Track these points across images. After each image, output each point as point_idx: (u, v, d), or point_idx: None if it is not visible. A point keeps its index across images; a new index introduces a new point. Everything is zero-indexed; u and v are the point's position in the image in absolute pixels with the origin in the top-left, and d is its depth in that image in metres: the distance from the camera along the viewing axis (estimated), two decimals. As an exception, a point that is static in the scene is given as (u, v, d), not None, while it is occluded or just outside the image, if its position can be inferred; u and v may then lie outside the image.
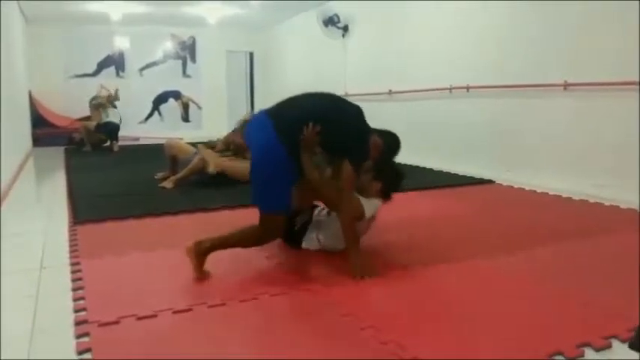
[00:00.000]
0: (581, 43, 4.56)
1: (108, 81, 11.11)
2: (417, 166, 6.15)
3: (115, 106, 9.46)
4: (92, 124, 9.04)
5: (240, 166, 4.77)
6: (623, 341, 1.76)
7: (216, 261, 2.75)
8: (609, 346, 1.74)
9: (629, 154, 4.10)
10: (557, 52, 4.80)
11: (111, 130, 9.06)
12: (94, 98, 9.52)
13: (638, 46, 4.01)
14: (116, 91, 9.73)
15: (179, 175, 4.95)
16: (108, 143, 9.02)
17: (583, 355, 1.68)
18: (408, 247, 2.93)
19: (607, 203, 4.06)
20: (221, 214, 3.89)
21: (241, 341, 1.80)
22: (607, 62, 4.33)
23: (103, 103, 9.32)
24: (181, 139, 7.17)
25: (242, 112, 12.50)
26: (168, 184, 4.89)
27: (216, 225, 3.58)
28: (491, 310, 2.04)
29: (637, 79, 4.01)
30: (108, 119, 9.08)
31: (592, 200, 4.17)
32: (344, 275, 2.38)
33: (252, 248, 2.90)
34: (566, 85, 4.67)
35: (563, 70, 4.70)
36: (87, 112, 9.74)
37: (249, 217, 3.84)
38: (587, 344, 1.73)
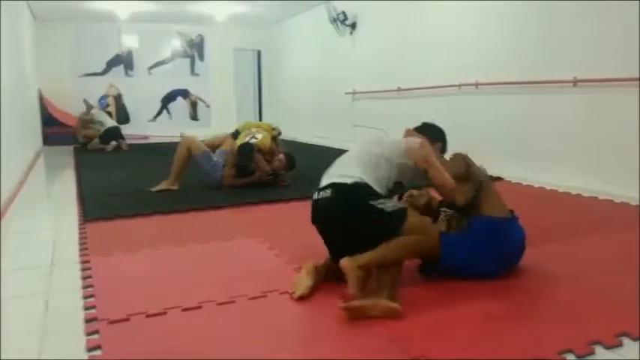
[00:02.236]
0: (591, 38, 4.52)
1: (117, 80, 11.21)
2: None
3: (106, 111, 9.51)
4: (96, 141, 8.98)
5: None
6: (634, 339, 1.75)
7: (224, 258, 2.77)
8: (620, 344, 1.72)
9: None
10: (567, 48, 4.76)
11: (113, 135, 9.07)
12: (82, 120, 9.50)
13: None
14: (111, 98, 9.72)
15: (172, 178, 4.66)
16: (112, 145, 8.96)
17: (594, 353, 1.67)
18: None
19: (617, 200, 4.02)
20: (229, 212, 3.91)
21: (250, 339, 1.81)
22: (617, 58, 4.29)
23: (85, 119, 9.31)
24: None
25: (249, 110, 12.60)
26: (160, 186, 4.62)
27: (224, 223, 3.62)
28: (503, 307, 2.03)
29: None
30: (104, 127, 9.09)
31: (602, 197, 4.14)
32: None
33: (260, 246, 2.92)
34: (575, 82, 4.63)
35: (573, 66, 4.66)
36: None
37: (255, 215, 3.88)
38: (598, 342, 1.72)
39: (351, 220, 2.20)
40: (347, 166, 2.35)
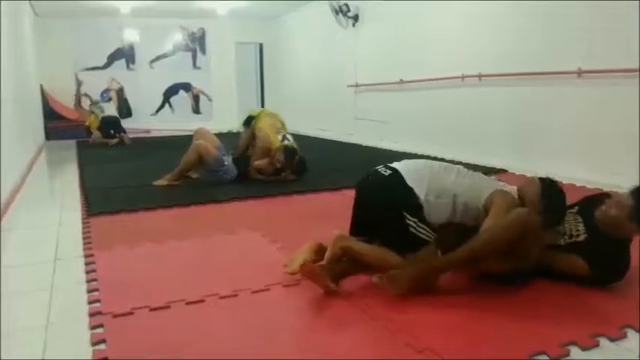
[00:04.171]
0: (596, 29, 4.49)
1: (118, 73, 11.20)
2: (429, 156, 6.12)
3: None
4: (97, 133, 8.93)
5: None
6: (638, 331, 1.75)
7: (226, 252, 2.77)
8: (624, 336, 1.72)
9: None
10: (571, 38, 4.72)
11: (112, 123, 9.03)
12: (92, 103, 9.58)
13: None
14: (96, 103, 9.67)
15: (174, 174, 4.63)
16: (116, 139, 8.90)
17: (598, 345, 1.67)
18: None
19: (621, 192, 4.00)
20: (232, 205, 3.91)
21: (253, 332, 1.81)
22: (622, 49, 4.26)
23: (97, 101, 9.38)
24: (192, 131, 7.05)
25: (252, 104, 12.58)
26: (162, 181, 4.59)
27: (227, 216, 3.62)
28: (507, 300, 2.03)
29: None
30: (103, 114, 9.06)
31: (606, 189, 4.11)
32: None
33: (262, 239, 2.92)
34: (580, 73, 4.60)
35: (577, 57, 4.63)
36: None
37: (258, 208, 3.88)
38: (602, 334, 1.72)
39: (380, 209, 2.19)
40: (421, 170, 2.24)
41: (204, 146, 4.57)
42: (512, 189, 2.26)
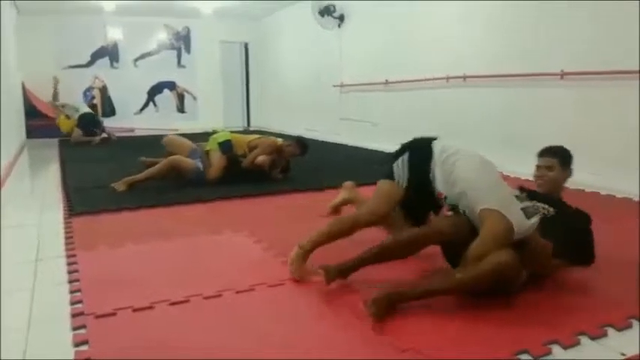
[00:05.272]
0: (579, 31, 4.55)
1: (102, 72, 11.08)
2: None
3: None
4: (79, 132, 8.72)
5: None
6: (618, 329, 1.78)
7: (211, 252, 2.76)
8: (605, 335, 1.75)
9: (626, 143, 4.11)
10: (554, 41, 4.78)
11: (90, 121, 8.88)
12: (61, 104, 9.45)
13: (637, 35, 4.00)
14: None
15: (137, 177, 4.39)
16: (99, 137, 8.75)
17: (579, 343, 1.69)
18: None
19: (603, 192, 4.06)
20: (216, 205, 3.89)
21: (237, 332, 1.80)
22: (605, 51, 4.32)
23: (66, 104, 9.28)
24: (177, 130, 6.98)
25: (237, 103, 12.53)
26: (119, 185, 4.30)
27: (212, 216, 3.60)
28: (492, 300, 2.04)
29: (635, 68, 4.01)
30: (79, 112, 8.91)
31: (588, 190, 4.18)
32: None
33: (247, 239, 2.91)
34: (563, 75, 4.66)
35: (561, 60, 4.68)
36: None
37: (242, 207, 3.87)
38: (584, 332, 1.74)
39: (418, 169, 2.42)
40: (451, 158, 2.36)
41: (177, 161, 4.44)
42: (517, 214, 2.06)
